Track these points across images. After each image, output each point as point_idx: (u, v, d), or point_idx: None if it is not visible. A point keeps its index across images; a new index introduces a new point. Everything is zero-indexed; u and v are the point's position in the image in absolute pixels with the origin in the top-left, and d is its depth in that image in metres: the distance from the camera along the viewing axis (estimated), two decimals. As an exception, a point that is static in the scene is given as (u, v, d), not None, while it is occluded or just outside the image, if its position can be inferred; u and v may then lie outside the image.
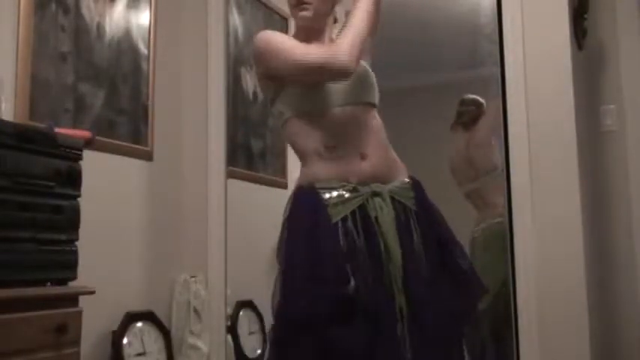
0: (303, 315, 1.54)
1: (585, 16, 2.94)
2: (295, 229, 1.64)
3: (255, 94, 3.70)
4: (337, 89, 1.69)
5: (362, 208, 1.64)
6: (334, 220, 1.61)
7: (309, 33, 1.80)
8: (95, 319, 2.48)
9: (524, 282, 2.64)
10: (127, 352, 2.74)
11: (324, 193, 1.64)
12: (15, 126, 2.07)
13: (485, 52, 3.11)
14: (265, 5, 3.83)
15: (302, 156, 1.74)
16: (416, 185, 1.78)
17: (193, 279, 3.14)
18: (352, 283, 1.54)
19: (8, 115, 2.32)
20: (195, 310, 3.10)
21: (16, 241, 1.96)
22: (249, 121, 3.70)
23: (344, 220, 1.62)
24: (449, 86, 3.83)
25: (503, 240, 2.83)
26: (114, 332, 2.73)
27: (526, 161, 2.68)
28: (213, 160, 3.28)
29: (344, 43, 1.60)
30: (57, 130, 2.22)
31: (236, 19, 3.59)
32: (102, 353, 2.70)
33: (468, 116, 3.52)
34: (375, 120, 1.77)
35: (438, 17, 3.86)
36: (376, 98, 1.79)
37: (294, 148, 1.77)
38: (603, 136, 3.02)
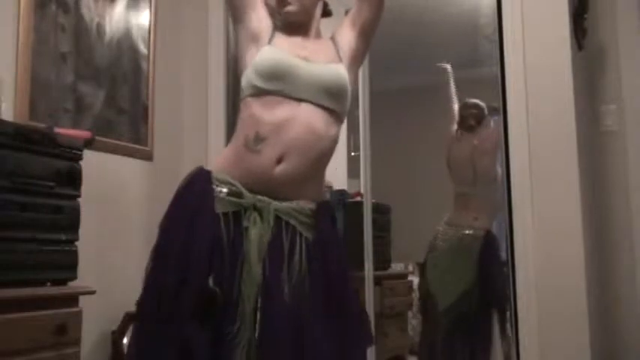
0: (153, 304, 1.53)
1: (585, 16, 2.94)
2: (179, 204, 1.63)
3: (255, 94, 3.70)
4: (301, 80, 1.59)
5: (236, 215, 1.54)
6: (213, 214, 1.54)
7: (296, 28, 1.74)
8: (95, 319, 2.48)
9: (524, 282, 2.64)
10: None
11: (218, 184, 1.58)
12: (15, 126, 2.07)
13: (485, 52, 3.11)
14: (265, 5, 3.82)
15: (233, 139, 1.66)
16: (322, 213, 1.62)
17: (193, 279, 3.13)
18: (210, 281, 1.46)
19: (8, 115, 2.32)
20: (195, 310, 3.09)
21: (16, 241, 1.96)
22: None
23: (225, 215, 1.54)
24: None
25: (468, 254, 3.19)
26: (114, 332, 2.73)
27: (526, 161, 2.68)
28: (213, 160, 3.27)
29: None
30: (57, 130, 2.22)
31: (236, 19, 3.59)
32: (102, 353, 2.71)
33: (472, 119, 3.53)
34: (327, 131, 1.61)
35: (438, 17, 3.86)
36: (339, 107, 1.64)
37: (235, 130, 1.67)
38: (603, 136, 3.02)
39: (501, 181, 2.85)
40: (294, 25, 1.75)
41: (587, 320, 2.52)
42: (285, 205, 1.56)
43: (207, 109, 3.33)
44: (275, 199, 1.55)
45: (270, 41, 1.68)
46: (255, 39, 1.69)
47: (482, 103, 3.52)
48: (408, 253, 3.84)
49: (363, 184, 3.26)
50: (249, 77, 1.65)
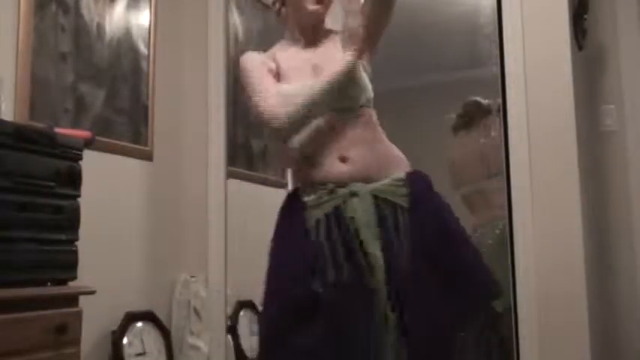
0: (271, 316, 1.60)
1: (585, 16, 2.94)
2: (276, 231, 1.71)
3: (255, 94, 3.69)
4: (317, 102, 1.69)
5: (338, 209, 1.63)
6: (310, 223, 1.64)
7: (308, 32, 1.82)
8: (95, 319, 2.48)
9: (524, 283, 2.64)
10: (127, 352, 2.74)
11: (304, 196, 1.69)
12: (15, 126, 2.07)
13: (485, 52, 3.11)
14: (265, 5, 3.82)
15: (286, 164, 1.80)
16: (413, 180, 1.71)
17: (193, 279, 3.14)
18: (315, 284, 1.55)
19: (8, 115, 2.32)
20: (195, 310, 3.10)
21: (16, 241, 1.96)
22: (249, 121, 3.70)
23: (318, 222, 1.64)
24: (449, 86, 3.83)
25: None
26: (114, 332, 2.73)
27: (526, 161, 2.68)
28: (213, 160, 3.28)
29: (284, 111, 1.65)
30: (57, 130, 2.22)
31: (236, 19, 3.59)
32: (102, 353, 2.70)
33: (470, 117, 3.53)
34: (361, 120, 1.74)
35: (438, 17, 3.86)
36: (360, 100, 1.75)
37: (277, 158, 1.80)
38: (603, 136, 3.02)
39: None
40: (308, 30, 1.82)
41: (587, 321, 2.52)
42: (378, 185, 1.66)
43: (207, 110, 3.33)
44: (370, 182, 1.67)
45: (281, 76, 1.76)
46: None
47: (482, 100, 3.51)
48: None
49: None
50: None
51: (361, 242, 1.59)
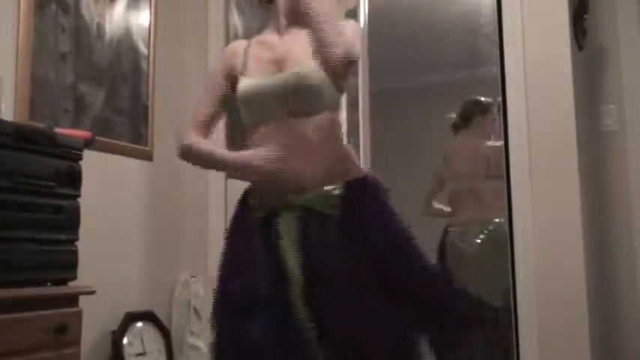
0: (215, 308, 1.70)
1: (585, 16, 2.94)
2: (229, 225, 1.77)
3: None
4: (271, 102, 1.67)
5: (269, 218, 1.65)
6: (251, 224, 1.68)
7: (291, 16, 1.76)
8: (95, 319, 2.48)
9: (524, 283, 2.64)
10: (127, 352, 2.74)
11: (250, 198, 1.73)
12: (15, 126, 2.07)
13: (485, 52, 3.11)
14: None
15: None
16: (351, 189, 1.65)
17: (193, 279, 3.14)
18: (250, 285, 1.59)
19: (8, 115, 2.32)
20: (195, 310, 3.10)
21: (16, 241, 1.96)
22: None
23: (254, 226, 1.67)
24: (449, 86, 3.84)
25: (504, 241, 2.84)
26: (114, 332, 2.73)
27: (526, 161, 2.68)
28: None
29: (185, 152, 1.81)
30: (57, 130, 2.22)
31: (236, 19, 3.59)
32: (102, 353, 2.71)
33: (469, 115, 3.53)
34: (311, 126, 1.65)
35: (438, 17, 3.86)
36: (314, 106, 1.66)
37: None
38: (603, 136, 3.02)
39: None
40: (291, 14, 1.76)
41: (587, 321, 2.52)
42: (310, 195, 1.63)
43: (207, 109, 3.32)
44: (301, 191, 1.64)
45: (242, 70, 1.75)
46: (234, 82, 1.78)
47: (482, 99, 3.51)
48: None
49: (363, 184, 3.25)
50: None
51: (284, 259, 1.59)
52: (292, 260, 1.58)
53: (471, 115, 3.54)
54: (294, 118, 1.65)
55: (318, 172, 1.64)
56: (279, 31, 1.78)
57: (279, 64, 1.70)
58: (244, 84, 1.71)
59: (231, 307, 1.62)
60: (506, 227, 2.75)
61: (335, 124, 1.71)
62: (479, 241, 3.34)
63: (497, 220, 3.27)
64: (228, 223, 1.78)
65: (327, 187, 1.64)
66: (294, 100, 1.65)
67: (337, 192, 1.64)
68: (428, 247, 1.76)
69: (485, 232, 3.33)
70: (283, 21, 1.78)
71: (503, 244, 3.11)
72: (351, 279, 1.54)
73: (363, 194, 1.65)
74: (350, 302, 1.52)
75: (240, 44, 1.85)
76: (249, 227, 1.67)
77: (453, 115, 3.65)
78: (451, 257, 3.41)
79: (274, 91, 1.66)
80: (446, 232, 3.45)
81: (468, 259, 3.36)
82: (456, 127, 3.60)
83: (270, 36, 1.79)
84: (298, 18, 1.71)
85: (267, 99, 1.67)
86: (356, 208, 1.62)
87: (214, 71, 1.85)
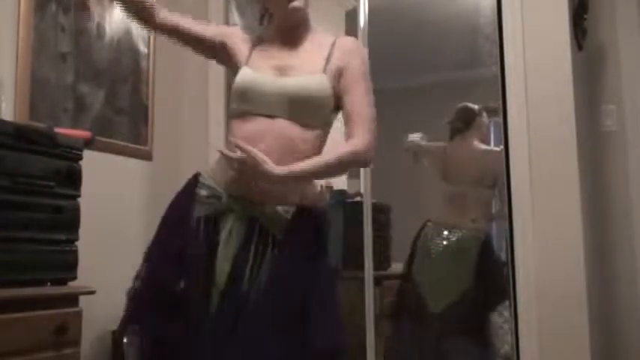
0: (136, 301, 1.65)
1: (585, 16, 2.94)
2: (166, 213, 1.72)
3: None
4: (266, 97, 1.65)
5: (215, 216, 1.63)
6: (195, 215, 1.65)
7: (287, 31, 1.77)
8: (95, 319, 2.48)
9: (524, 283, 2.64)
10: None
11: (201, 188, 1.69)
12: (15, 126, 2.07)
13: (485, 52, 3.11)
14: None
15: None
16: (298, 216, 1.63)
17: (193, 279, 3.14)
18: (181, 283, 1.58)
19: (8, 115, 2.32)
20: (195, 310, 3.09)
21: (16, 241, 1.96)
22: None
23: (199, 219, 1.64)
24: (449, 86, 3.83)
25: (471, 253, 3.17)
26: (114, 332, 2.73)
27: (526, 161, 2.68)
28: (213, 160, 3.26)
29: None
30: (57, 130, 2.22)
31: (236, 19, 3.59)
32: (102, 353, 2.70)
33: (461, 122, 3.55)
34: (307, 141, 1.64)
35: (438, 17, 3.86)
36: (313, 119, 1.66)
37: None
38: (603, 136, 3.02)
39: (501, 184, 2.85)
40: (287, 28, 1.77)
41: (587, 321, 2.52)
42: (263, 209, 1.62)
43: (207, 109, 3.33)
44: (255, 203, 1.62)
45: (247, 61, 1.74)
46: (235, 67, 1.77)
47: (472, 106, 3.54)
48: (408, 253, 3.84)
49: (363, 184, 3.26)
50: (230, 101, 1.74)
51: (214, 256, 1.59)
52: (222, 266, 1.59)
53: (471, 117, 3.55)
54: (288, 122, 1.64)
55: (288, 191, 1.63)
56: (280, 42, 1.77)
57: (281, 71, 1.69)
58: (248, 73, 1.69)
59: (156, 294, 1.61)
60: (507, 226, 2.76)
61: (321, 143, 1.70)
62: (445, 243, 3.39)
63: (466, 233, 3.32)
64: (170, 207, 1.73)
65: (280, 207, 1.62)
66: (296, 106, 1.64)
67: (288, 216, 1.62)
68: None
69: (454, 238, 3.37)
70: (284, 33, 1.78)
71: (468, 254, 3.30)
72: (268, 303, 1.54)
73: (305, 225, 1.63)
74: (256, 327, 1.52)
75: (249, 38, 1.83)
76: (192, 218, 1.64)
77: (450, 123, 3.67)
78: (419, 252, 3.47)
79: (279, 91, 1.65)
80: (423, 226, 3.48)
81: (431, 259, 3.42)
82: (457, 131, 3.60)
83: (271, 45, 1.78)
84: (296, 33, 1.76)
85: (268, 96, 1.65)
86: (297, 238, 1.61)
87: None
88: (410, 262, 3.50)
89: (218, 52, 1.83)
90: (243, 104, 1.68)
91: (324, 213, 1.72)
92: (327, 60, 1.71)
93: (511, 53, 2.76)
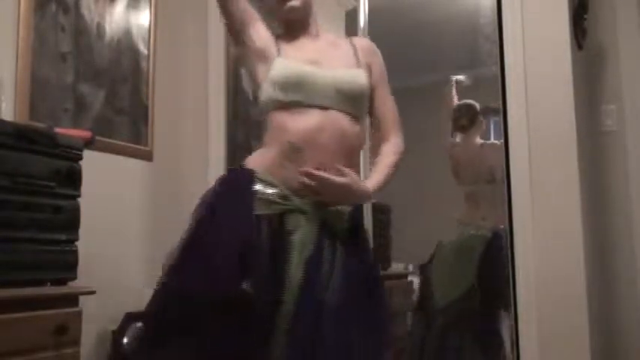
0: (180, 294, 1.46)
1: (585, 16, 2.94)
2: (214, 200, 1.56)
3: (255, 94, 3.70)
4: (320, 88, 1.60)
5: (281, 217, 1.53)
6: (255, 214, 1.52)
7: (297, 28, 1.75)
8: (95, 319, 2.48)
9: (525, 283, 2.64)
10: (127, 352, 2.73)
11: (262, 185, 1.56)
12: (15, 126, 2.07)
13: (485, 52, 3.11)
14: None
15: (264, 145, 1.65)
16: (355, 216, 1.64)
17: (193, 279, 3.13)
18: (246, 284, 1.44)
19: (8, 115, 2.32)
20: (195, 310, 3.09)
21: (16, 241, 1.96)
22: (249, 121, 3.70)
23: (259, 218, 1.52)
24: (449, 86, 3.83)
25: (472, 254, 3.20)
26: (114, 332, 2.73)
27: (526, 161, 2.68)
28: (213, 160, 3.28)
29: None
30: (57, 130, 2.22)
31: (236, 19, 3.59)
32: (102, 353, 2.70)
33: (465, 120, 3.55)
34: (355, 134, 1.64)
35: (438, 17, 3.86)
36: (359, 111, 1.67)
37: (265, 143, 1.65)
38: (603, 136, 3.02)
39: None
40: (295, 25, 1.75)
41: (587, 321, 2.52)
42: (329, 209, 1.57)
43: (207, 109, 3.33)
44: (322, 204, 1.57)
45: (278, 53, 1.67)
46: (262, 55, 1.69)
47: (474, 103, 3.54)
48: (408, 253, 3.84)
49: (363, 184, 3.26)
50: (268, 93, 1.63)
51: (289, 262, 1.49)
52: (297, 270, 1.48)
53: (475, 115, 3.55)
54: (340, 114, 1.61)
55: None
56: (300, 38, 1.74)
57: (317, 64, 1.66)
58: (293, 64, 1.63)
59: (214, 303, 1.42)
60: (507, 226, 2.76)
61: (364, 137, 1.69)
62: (454, 240, 3.42)
63: (474, 232, 3.37)
64: (223, 198, 1.56)
65: (342, 208, 1.60)
66: (347, 98, 1.62)
67: (347, 216, 1.61)
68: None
69: (463, 236, 3.40)
70: (297, 31, 1.76)
71: (473, 252, 3.31)
72: (345, 305, 1.50)
73: (360, 224, 1.66)
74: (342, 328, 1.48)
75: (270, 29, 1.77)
76: (252, 216, 1.51)
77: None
78: (437, 248, 3.51)
79: (332, 82, 1.61)
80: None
81: (442, 255, 3.45)
82: (461, 128, 3.60)
83: (294, 40, 1.74)
84: (308, 29, 1.75)
85: (323, 87, 1.60)
86: (356, 236, 1.62)
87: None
88: (431, 258, 3.54)
89: (235, 24, 1.72)
90: (295, 95, 1.59)
91: (361, 210, 1.73)
92: (356, 57, 1.73)
93: (511, 53, 2.76)
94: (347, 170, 1.56)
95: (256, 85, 1.70)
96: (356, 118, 1.65)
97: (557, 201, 2.62)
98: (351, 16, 3.45)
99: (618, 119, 2.99)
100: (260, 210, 1.53)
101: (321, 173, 1.52)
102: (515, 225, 2.70)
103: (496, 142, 3.36)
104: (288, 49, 1.70)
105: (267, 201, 1.54)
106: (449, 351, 3.28)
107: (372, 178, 1.65)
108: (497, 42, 2.82)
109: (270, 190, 1.55)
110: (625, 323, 2.88)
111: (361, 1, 3.32)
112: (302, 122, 1.57)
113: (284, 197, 1.55)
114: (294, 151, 1.55)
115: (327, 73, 1.63)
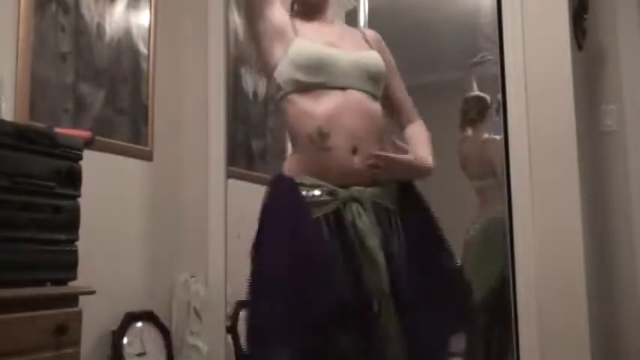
0: (289, 324, 1.42)
1: (585, 16, 2.94)
2: (273, 225, 1.52)
3: (255, 94, 3.70)
4: (342, 69, 1.59)
5: (337, 212, 1.51)
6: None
7: (314, 12, 1.74)
8: (95, 319, 2.48)
9: (525, 282, 2.64)
10: (127, 352, 2.74)
11: (309, 189, 1.54)
12: (15, 126, 2.07)
13: (485, 52, 3.11)
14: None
15: (294, 140, 1.61)
16: (403, 185, 1.64)
17: (193, 279, 3.14)
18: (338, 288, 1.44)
19: (8, 115, 2.32)
20: (195, 310, 3.10)
21: (16, 241, 1.96)
22: (249, 121, 3.70)
23: (317, 221, 1.50)
24: (449, 86, 3.83)
25: (499, 235, 2.85)
26: (114, 332, 2.73)
27: (526, 161, 2.68)
28: (213, 160, 3.27)
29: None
30: (57, 130, 2.22)
31: (236, 19, 3.59)
32: (102, 353, 2.70)
33: (474, 113, 3.51)
34: (376, 110, 1.63)
35: (438, 17, 3.86)
36: (378, 91, 1.67)
37: (289, 131, 1.63)
38: (603, 136, 3.02)
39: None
40: (314, 7, 1.74)
41: (587, 320, 2.52)
42: (377, 190, 1.58)
43: (207, 109, 3.33)
44: (367, 185, 1.57)
45: (296, 33, 1.65)
46: (279, 34, 1.66)
47: (484, 96, 3.48)
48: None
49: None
50: (288, 72, 1.60)
51: (365, 248, 1.48)
52: (380, 256, 1.48)
53: (486, 108, 3.49)
54: (360, 93, 1.61)
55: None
56: (316, 20, 1.74)
57: (334, 46, 1.65)
58: (309, 45, 1.61)
59: (312, 309, 1.41)
60: (507, 226, 2.75)
61: (383, 118, 1.69)
62: (472, 233, 3.35)
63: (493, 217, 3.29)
64: (280, 217, 1.51)
65: (388, 183, 1.61)
66: (369, 79, 1.63)
67: (394, 186, 1.61)
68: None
69: (479, 225, 3.33)
70: (314, 14, 1.75)
71: (495, 237, 3.11)
72: (418, 271, 1.53)
73: (410, 191, 1.66)
74: (421, 292, 1.51)
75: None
76: (311, 220, 1.49)
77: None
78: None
79: (355, 64, 1.61)
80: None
81: (469, 248, 3.37)
82: (470, 121, 3.55)
83: (310, 21, 1.73)
84: (324, 14, 1.75)
85: (345, 68, 1.60)
86: (409, 205, 1.62)
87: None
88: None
89: (261, 10, 1.69)
90: (317, 77, 1.57)
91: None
92: (368, 43, 1.75)
93: (511, 53, 2.76)
94: (406, 146, 1.59)
95: (270, 65, 1.66)
96: (375, 97, 1.66)
97: (557, 201, 2.62)
98: (351, 16, 3.45)
99: (618, 119, 2.99)
100: (316, 213, 1.51)
101: (386, 153, 1.55)
102: (516, 225, 2.70)
103: (496, 137, 3.35)
104: (306, 29, 1.68)
105: (319, 202, 1.52)
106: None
107: (420, 153, 1.67)
108: (497, 42, 2.82)
109: (316, 192, 1.54)
110: (625, 323, 2.88)
111: (361, 1, 3.32)
112: (325, 105, 1.56)
113: (331, 193, 1.53)
114: (323, 137, 1.53)
115: (348, 54, 1.63)
